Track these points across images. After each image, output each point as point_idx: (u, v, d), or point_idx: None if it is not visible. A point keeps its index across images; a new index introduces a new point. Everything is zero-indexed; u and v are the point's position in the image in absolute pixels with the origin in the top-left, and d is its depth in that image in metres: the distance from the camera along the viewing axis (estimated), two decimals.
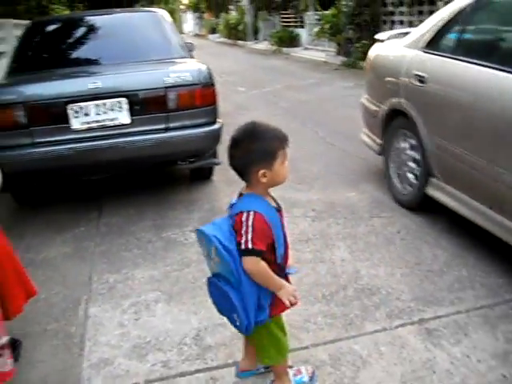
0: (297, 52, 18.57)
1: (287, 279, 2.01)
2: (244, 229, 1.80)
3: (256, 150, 1.82)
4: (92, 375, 2.38)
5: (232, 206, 1.94)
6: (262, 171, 1.82)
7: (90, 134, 3.85)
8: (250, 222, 1.80)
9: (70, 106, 3.77)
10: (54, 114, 3.82)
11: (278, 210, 1.97)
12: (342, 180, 4.76)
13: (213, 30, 37.73)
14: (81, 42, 4.84)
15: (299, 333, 2.56)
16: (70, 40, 4.92)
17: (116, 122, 3.88)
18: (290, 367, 2.25)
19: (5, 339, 2.48)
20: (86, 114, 3.81)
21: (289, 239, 2.06)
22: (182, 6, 53.21)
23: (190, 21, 53.42)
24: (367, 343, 2.45)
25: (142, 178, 5.15)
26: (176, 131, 3.97)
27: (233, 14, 31.32)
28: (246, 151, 1.83)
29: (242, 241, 1.80)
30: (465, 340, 2.43)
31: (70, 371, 2.42)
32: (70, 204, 4.63)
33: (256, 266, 1.82)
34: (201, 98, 4.01)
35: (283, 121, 7.55)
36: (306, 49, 19.03)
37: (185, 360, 2.43)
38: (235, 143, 1.86)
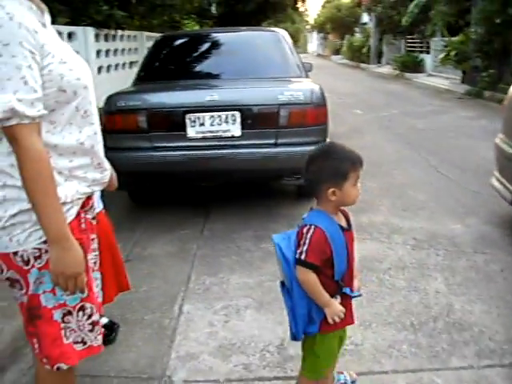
0: (419, 78, 18.18)
1: (346, 299, 2.01)
2: (303, 240, 1.88)
3: (328, 168, 1.88)
4: (178, 366, 2.54)
5: (303, 219, 2.01)
6: (331, 189, 1.87)
7: (204, 143, 4.10)
8: (308, 235, 1.87)
9: (187, 116, 4.05)
10: (172, 121, 4.12)
11: (347, 229, 1.98)
12: (449, 211, 4.62)
13: (336, 51, 37.99)
14: (204, 56, 5.18)
15: (381, 357, 2.55)
16: (194, 54, 5.28)
17: (228, 134, 4.10)
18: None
19: (103, 319, 2.74)
20: (202, 124, 4.06)
21: (356, 261, 2.05)
22: (307, 26, 54.05)
23: (314, 41, 54.10)
24: (450, 378, 2.39)
25: (248, 189, 5.34)
26: (284, 147, 4.10)
27: (357, 37, 31.36)
28: (318, 169, 1.90)
29: (298, 251, 1.89)
30: None
31: (159, 359, 2.59)
32: (179, 207, 4.92)
33: (305, 276, 1.88)
34: (311, 117, 4.12)
35: (396, 147, 7.48)
36: (430, 75, 18.59)
37: (265, 366, 2.52)
38: (310, 160, 1.94)
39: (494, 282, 3.29)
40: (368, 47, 27.24)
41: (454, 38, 14.36)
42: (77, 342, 1.71)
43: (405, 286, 3.28)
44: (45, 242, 1.57)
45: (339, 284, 1.96)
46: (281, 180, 4.49)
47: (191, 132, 4.08)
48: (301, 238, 1.90)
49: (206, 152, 4.09)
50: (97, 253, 1.95)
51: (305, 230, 1.90)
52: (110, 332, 2.76)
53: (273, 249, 3.92)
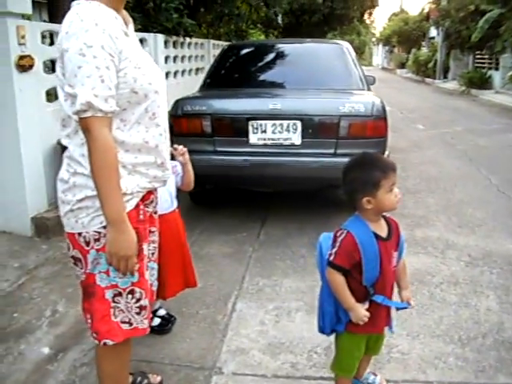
0: (486, 95, 17.73)
1: (378, 307, 2.07)
2: (335, 243, 2.00)
3: (360, 178, 1.98)
4: (228, 359, 2.67)
5: None
6: (366, 199, 1.96)
7: (265, 149, 4.25)
8: (339, 239, 1.99)
9: (250, 123, 4.21)
10: (236, 127, 4.29)
11: (384, 239, 2.04)
12: (507, 231, 4.56)
13: (401, 65, 37.52)
14: (268, 65, 5.35)
15: (427, 367, 2.59)
16: (259, 63, 5.45)
17: (288, 142, 4.22)
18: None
19: (161, 311, 2.91)
20: (264, 131, 4.21)
21: (408, 273, 2.13)
22: (373, 39, 53.62)
23: (379, 54, 53.57)
24: None
25: (305, 197, 5.45)
26: (343, 157, 4.16)
27: (424, 51, 30.88)
28: (352, 179, 2.01)
29: (329, 252, 2.01)
30: None
31: (211, 352, 2.73)
32: (237, 210, 5.08)
33: (333, 277, 2.00)
34: (371, 129, 4.19)
35: (456, 164, 7.40)
36: (497, 92, 18.09)
37: (312, 366, 2.61)
38: (345, 171, 2.06)
39: None
40: (434, 62, 26.77)
41: None
42: (124, 322, 1.90)
43: (456, 301, 3.29)
44: (104, 227, 1.77)
45: (368, 291, 2.03)
46: (338, 189, 4.56)
47: (253, 138, 4.24)
48: (334, 240, 2.02)
49: (267, 158, 4.23)
50: (155, 245, 2.13)
51: (338, 234, 2.02)
52: (167, 323, 2.93)
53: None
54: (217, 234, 4.41)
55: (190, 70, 9.75)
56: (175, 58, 8.72)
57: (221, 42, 12.13)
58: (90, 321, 1.91)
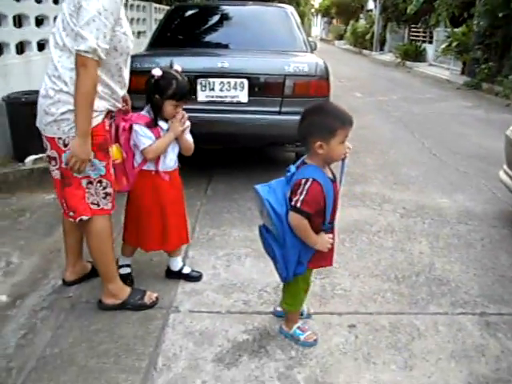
0: (420, 67, 18.37)
1: (332, 232, 2.32)
2: (300, 190, 2.12)
3: (318, 123, 2.13)
4: (184, 299, 2.82)
5: (292, 173, 2.22)
6: (319, 143, 2.11)
7: (213, 106, 4.35)
8: (306, 187, 2.12)
9: (199, 81, 4.29)
10: None
11: (333, 181, 2.24)
12: (438, 188, 4.91)
13: (340, 37, 37.94)
14: (215, 27, 5.40)
15: (367, 301, 2.85)
16: (206, 25, 5.48)
17: (235, 100, 4.34)
18: (304, 321, 2.60)
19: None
20: (212, 89, 4.31)
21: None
22: (312, 10, 53.80)
23: (318, 25, 53.88)
24: (427, 321, 2.69)
25: (250, 155, 5.61)
26: (288, 115, 4.34)
27: (362, 23, 31.35)
28: (309, 123, 2.15)
29: (294, 199, 2.13)
30: None
31: (167, 293, 2.87)
32: (184, 168, 5.15)
33: (298, 222, 2.15)
34: (315, 88, 4.36)
35: (392, 128, 7.75)
36: (431, 65, 18.78)
37: (263, 303, 2.81)
38: (304, 114, 2.18)
39: (474, 248, 3.59)
40: (372, 34, 27.32)
41: (456, 30, 14.54)
42: (93, 204, 2.52)
43: (392, 247, 3.57)
44: None
45: (326, 228, 2.26)
46: (282, 146, 4.75)
47: (201, 96, 4.32)
48: (297, 188, 2.14)
49: (214, 115, 4.33)
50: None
51: (303, 182, 2.13)
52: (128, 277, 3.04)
53: None
54: None
55: (133, 33, 9.57)
56: None
57: (163, 6, 11.94)
58: (65, 204, 2.53)
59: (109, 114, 2.54)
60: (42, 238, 3.56)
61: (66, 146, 2.39)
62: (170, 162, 2.83)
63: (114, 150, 2.62)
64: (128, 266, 3.02)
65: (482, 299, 2.92)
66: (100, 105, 2.40)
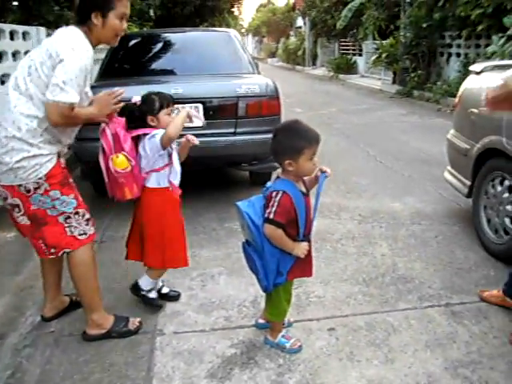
0: (353, 79, 19.07)
1: (306, 257, 2.44)
2: (271, 203, 2.28)
3: (286, 142, 2.28)
4: (167, 322, 2.89)
5: (267, 188, 2.40)
6: (288, 161, 2.28)
7: None
8: (277, 199, 2.27)
9: None
10: None
11: (306, 194, 2.40)
12: (388, 193, 5.18)
13: (272, 54, 38.71)
14: (162, 54, 5.50)
15: (341, 305, 3.01)
16: (152, 52, 5.57)
17: (191, 124, 4.44)
18: (287, 329, 2.72)
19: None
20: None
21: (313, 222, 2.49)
22: (242, 30, 54.69)
23: (249, 44, 54.76)
24: (399, 317, 2.88)
25: (211, 177, 5.72)
26: (243, 136, 4.50)
27: (292, 40, 32.14)
28: (279, 142, 2.31)
29: (267, 211, 2.29)
30: (484, 321, 2.82)
31: (149, 318, 2.93)
32: None
33: (273, 232, 2.29)
34: (267, 108, 4.55)
35: (336, 140, 8.05)
36: (363, 76, 19.53)
37: (244, 317, 2.92)
38: (274, 134, 2.34)
39: (430, 246, 3.84)
40: (303, 50, 28.08)
41: (384, 42, 15.24)
42: (81, 234, 2.59)
43: (355, 252, 3.77)
44: (40, 179, 2.41)
45: (302, 239, 2.41)
46: (239, 166, 4.88)
47: None
48: (269, 201, 2.30)
49: None
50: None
51: (273, 195, 2.29)
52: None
53: (236, 227, 4.33)
54: (128, 218, 4.51)
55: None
56: None
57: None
58: (43, 245, 2.57)
59: (59, 153, 2.60)
60: (11, 277, 3.52)
61: (28, 191, 2.43)
62: (177, 175, 2.95)
63: (121, 158, 2.67)
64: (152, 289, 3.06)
65: (445, 291, 3.15)
66: (52, 148, 2.48)
